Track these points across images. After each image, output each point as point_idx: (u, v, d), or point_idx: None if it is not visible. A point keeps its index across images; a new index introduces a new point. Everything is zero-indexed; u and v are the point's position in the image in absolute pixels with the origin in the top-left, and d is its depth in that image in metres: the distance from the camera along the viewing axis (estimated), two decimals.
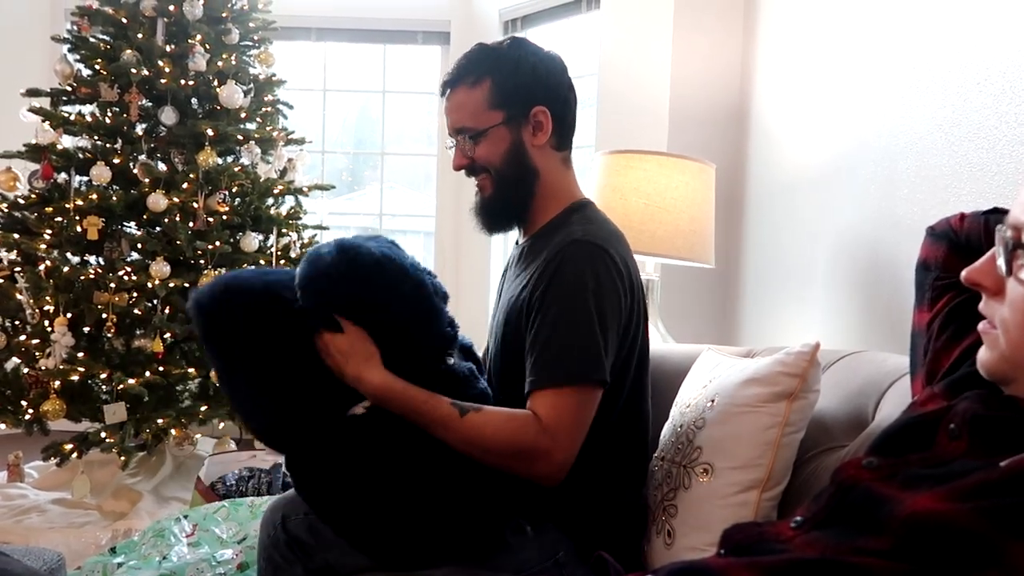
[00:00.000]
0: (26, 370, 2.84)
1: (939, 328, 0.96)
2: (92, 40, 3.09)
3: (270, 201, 3.22)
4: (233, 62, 3.12)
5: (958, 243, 1.01)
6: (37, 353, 2.83)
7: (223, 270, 2.96)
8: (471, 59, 1.40)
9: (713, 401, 1.34)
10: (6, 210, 2.92)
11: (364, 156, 4.76)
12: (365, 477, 1.21)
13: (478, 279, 4.13)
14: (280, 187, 3.18)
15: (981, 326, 0.78)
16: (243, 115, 3.13)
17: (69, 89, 3.04)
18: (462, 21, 4.12)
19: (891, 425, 0.82)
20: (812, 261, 2.26)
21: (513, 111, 1.37)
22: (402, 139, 4.69)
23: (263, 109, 3.24)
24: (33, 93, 3.00)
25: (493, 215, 1.44)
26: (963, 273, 0.79)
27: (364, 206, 4.65)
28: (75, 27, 3.12)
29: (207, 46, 3.06)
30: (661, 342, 2.35)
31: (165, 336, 2.88)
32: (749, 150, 2.79)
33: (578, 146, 1.51)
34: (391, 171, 4.58)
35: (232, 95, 3.01)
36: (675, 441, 1.38)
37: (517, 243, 1.51)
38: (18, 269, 2.87)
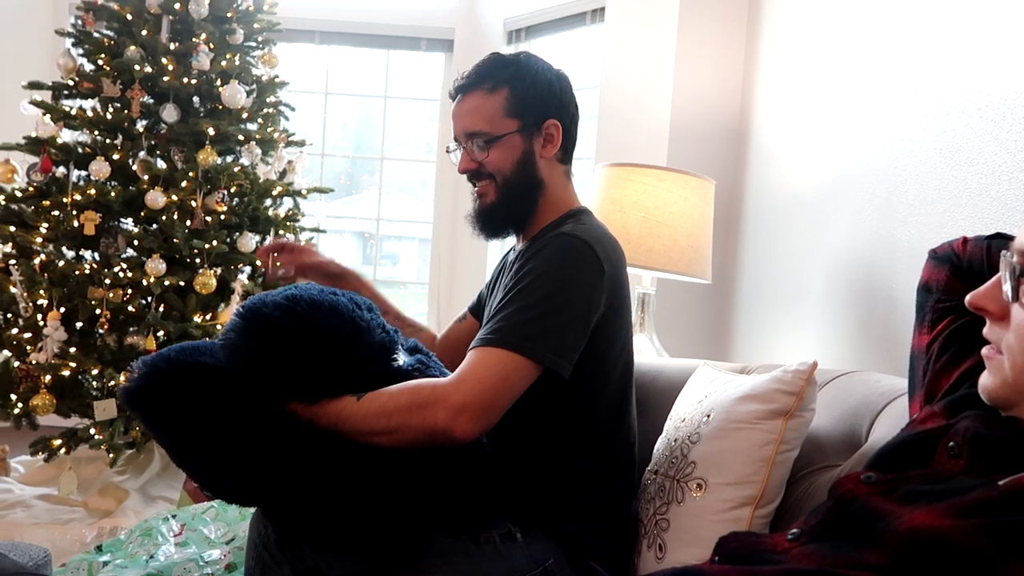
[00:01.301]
0: (17, 363, 2.82)
1: (939, 350, 0.96)
2: (96, 35, 3.09)
3: (268, 202, 3.22)
4: (237, 62, 3.12)
5: (960, 267, 1.02)
6: (29, 347, 2.81)
7: (219, 270, 2.96)
8: (489, 66, 1.41)
9: (709, 416, 1.34)
10: (3, 202, 2.90)
11: (363, 160, 4.76)
12: (351, 487, 1.19)
13: (474, 287, 4.12)
14: (279, 188, 3.18)
15: (985, 351, 0.78)
16: (245, 115, 3.13)
17: (71, 83, 3.03)
18: (466, 30, 4.13)
19: (890, 441, 0.82)
20: (808, 280, 2.27)
21: (528, 121, 1.40)
22: (402, 145, 4.69)
23: (265, 110, 3.23)
24: (35, 86, 3.00)
25: (493, 222, 1.45)
26: (968, 297, 0.79)
27: (361, 210, 4.65)
28: (79, 21, 3.12)
29: (211, 45, 3.06)
30: (655, 356, 2.36)
31: (159, 334, 2.87)
32: (748, 168, 2.81)
33: (578, 158, 1.52)
34: (389, 176, 4.58)
35: (234, 95, 3.01)
36: (669, 455, 1.38)
37: (514, 249, 1.52)
38: (13, 262, 2.86)
